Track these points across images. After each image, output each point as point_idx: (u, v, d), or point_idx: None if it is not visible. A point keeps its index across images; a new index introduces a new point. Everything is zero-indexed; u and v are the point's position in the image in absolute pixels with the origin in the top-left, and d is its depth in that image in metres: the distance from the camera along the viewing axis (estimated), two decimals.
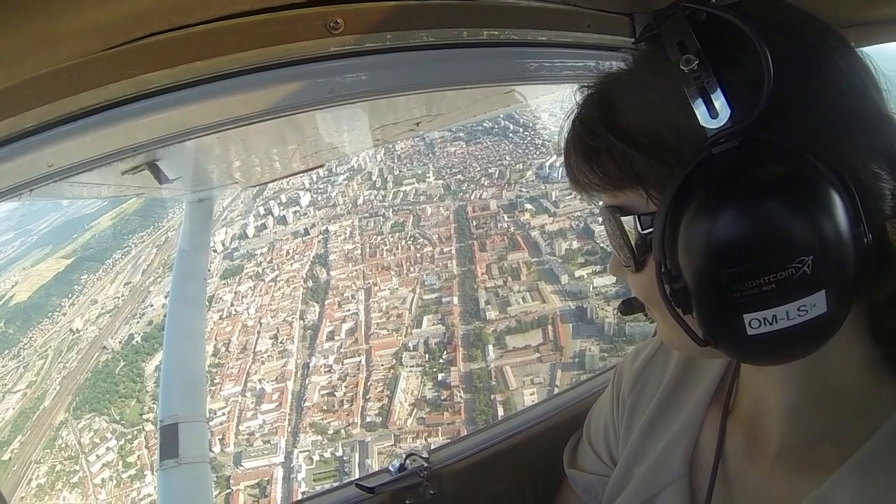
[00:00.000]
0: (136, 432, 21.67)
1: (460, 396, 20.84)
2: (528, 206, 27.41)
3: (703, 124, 0.56)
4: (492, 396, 20.51)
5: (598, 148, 0.67)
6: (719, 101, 0.55)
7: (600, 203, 0.74)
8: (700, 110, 0.56)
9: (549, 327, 22.17)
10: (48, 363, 24.18)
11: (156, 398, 22.47)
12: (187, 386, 2.91)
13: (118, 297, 26.93)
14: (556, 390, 19.90)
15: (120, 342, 24.72)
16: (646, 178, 0.63)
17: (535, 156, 30.43)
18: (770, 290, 0.54)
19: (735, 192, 0.54)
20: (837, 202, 0.53)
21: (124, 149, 0.91)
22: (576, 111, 0.72)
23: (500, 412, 19.74)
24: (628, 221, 0.69)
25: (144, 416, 22.11)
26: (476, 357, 22.00)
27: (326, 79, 0.94)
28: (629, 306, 0.81)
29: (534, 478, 1.50)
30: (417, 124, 2.85)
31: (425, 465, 1.45)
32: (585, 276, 23.14)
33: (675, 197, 0.57)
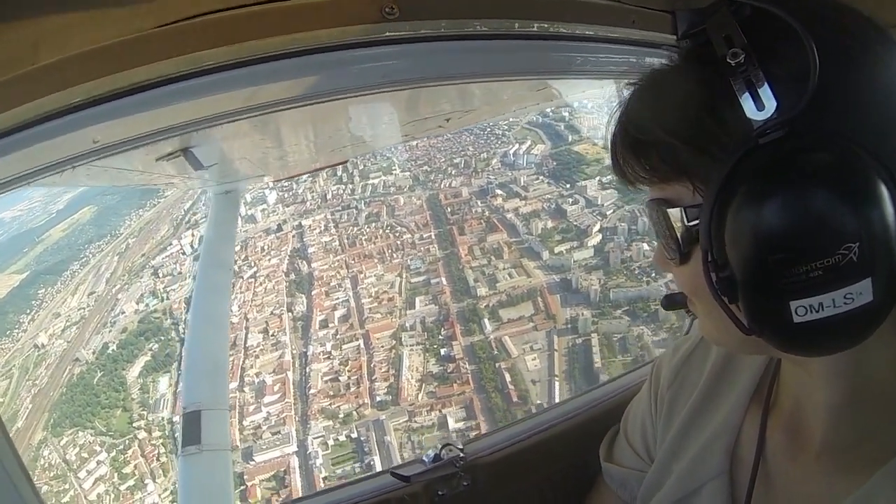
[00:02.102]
0: (128, 441, 20.38)
1: (466, 368, 21.28)
2: (499, 191, 28.25)
3: (750, 116, 0.57)
4: (497, 365, 21.08)
5: (645, 141, 0.69)
6: (765, 93, 0.57)
7: (647, 197, 0.75)
8: (746, 103, 0.58)
9: (539, 299, 23.07)
10: (14, 382, 22.19)
11: (144, 405, 21.50)
12: (211, 374, 2.93)
13: (83, 308, 25.16)
14: (556, 354, 20.94)
15: (93, 353, 23.12)
16: (692, 171, 0.65)
17: (496, 145, 31.37)
18: (817, 277, 0.55)
19: (781, 180, 0.55)
20: (883, 190, 0.54)
21: (173, 126, 0.91)
22: (622, 106, 0.73)
23: (508, 378, 20.43)
24: (674, 214, 0.71)
25: (135, 425, 20.85)
26: (474, 331, 22.56)
27: (381, 63, 0.95)
28: (671, 301, 0.83)
29: (567, 472, 1.49)
30: (447, 120, 2.81)
31: (461, 455, 1.45)
32: (565, 252, 24.23)
33: (722, 186, 0.58)
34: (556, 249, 24.48)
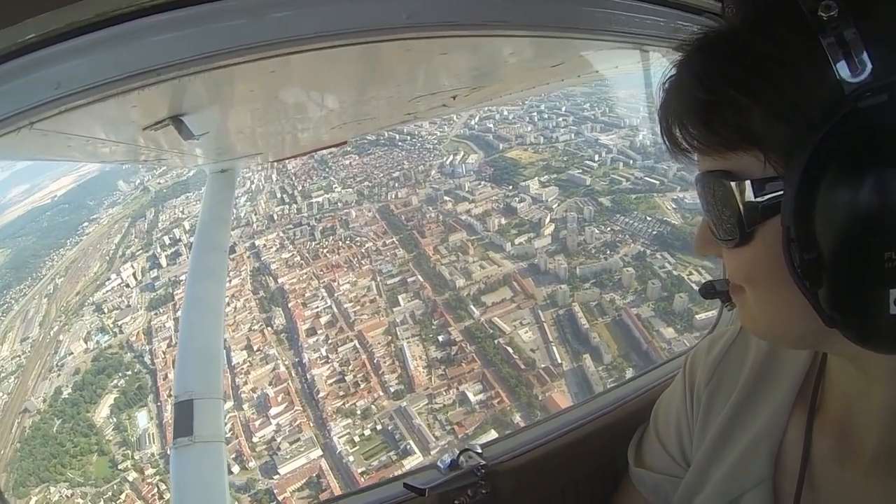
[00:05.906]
0: (116, 485, 17.89)
1: (468, 348, 21.88)
2: (447, 197, 29.74)
3: (844, 78, 0.51)
4: (496, 341, 21.94)
5: (710, 102, 0.60)
6: (861, 53, 0.50)
7: (700, 168, 0.66)
8: (839, 63, 0.51)
9: (514, 283, 24.53)
10: None
11: (126, 444, 19.11)
12: (204, 361, 2.78)
13: (19, 356, 21.79)
14: (545, 325, 22.39)
15: (44, 400, 20.12)
16: (764, 138, 0.57)
17: (430, 158, 33.05)
18: None
19: (891, 151, 0.49)
20: None
21: (148, 69, 0.75)
22: (682, 63, 0.65)
23: (510, 351, 21.39)
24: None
25: (121, 467, 18.42)
26: (464, 317, 23.35)
27: (403, 2, 0.82)
28: (711, 289, 0.79)
29: (593, 475, 1.41)
30: (454, 98, 2.69)
31: (481, 462, 1.35)
32: (525, 242, 26.09)
33: (813, 157, 0.51)
34: (517, 241, 26.26)
